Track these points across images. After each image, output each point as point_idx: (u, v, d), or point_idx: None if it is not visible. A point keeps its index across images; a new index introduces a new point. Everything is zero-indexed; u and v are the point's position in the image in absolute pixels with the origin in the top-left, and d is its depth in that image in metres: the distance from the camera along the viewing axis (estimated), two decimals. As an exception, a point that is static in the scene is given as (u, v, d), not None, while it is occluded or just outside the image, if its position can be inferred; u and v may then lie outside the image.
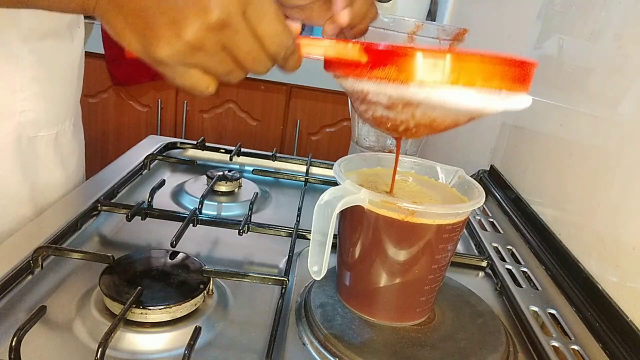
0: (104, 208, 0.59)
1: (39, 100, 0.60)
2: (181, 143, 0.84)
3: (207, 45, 0.33)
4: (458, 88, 0.33)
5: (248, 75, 0.37)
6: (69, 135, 0.67)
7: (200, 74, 0.35)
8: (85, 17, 0.65)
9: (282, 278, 0.47)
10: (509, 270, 0.58)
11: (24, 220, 0.60)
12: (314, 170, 0.82)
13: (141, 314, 0.41)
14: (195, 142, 0.84)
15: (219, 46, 0.34)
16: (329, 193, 0.40)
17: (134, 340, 0.40)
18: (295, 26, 0.37)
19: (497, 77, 0.33)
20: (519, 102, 0.35)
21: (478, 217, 0.72)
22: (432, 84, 0.33)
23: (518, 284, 0.55)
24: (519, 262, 0.61)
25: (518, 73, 0.35)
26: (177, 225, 0.53)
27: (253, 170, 0.76)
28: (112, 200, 0.63)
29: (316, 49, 0.37)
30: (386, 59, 0.34)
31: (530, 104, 0.36)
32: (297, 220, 0.60)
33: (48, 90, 0.61)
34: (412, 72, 0.33)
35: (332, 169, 0.45)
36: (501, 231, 0.69)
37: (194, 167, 0.77)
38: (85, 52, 0.70)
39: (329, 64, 0.39)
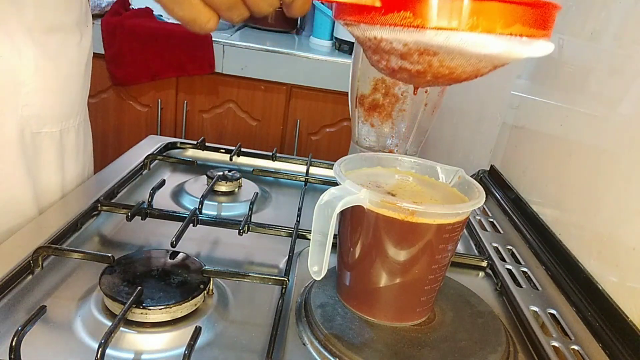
0: (104, 208, 0.59)
1: (43, 94, 0.60)
2: (181, 143, 0.84)
3: None
4: (477, 33, 0.31)
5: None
6: (74, 134, 0.67)
7: (202, 5, 0.34)
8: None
9: (282, 278, 0.47)
10: (509, 270, 0.58)
11: (26, 218, 0.60)
12: (314, 170, 0.82)
13: (141, 314, 0.41)
14: (195, 142, 0.84)
15: None
16: (329, 193, 0.40)
17: (134, 340, 0.40)
18: None
19: (518, 20, 0.32)
20: (541, 49, 0.34)
21: (478, 217, 0.72)
22: (450, 29, 0.32)
23: (518, 284, 0.55)
24: (519, 262, 0.61)
25: (539, 16, 0.33)
26: (177, 225, 0.53)
27: (253, 170, 0.76)
28: (112, 200, 0.62)
29: None
30: (401, 3, 0.32)
31: (552, 50, 0.34)
32: (297, 220, 0.60)
33: (53, 86, 0.61)
34: (429, 17, 0.32)
35: (332, 169, 0.45)
36: (501, 231, 0.69)
37: (194, 167, 0.77)
38: (88, 52, 0.69)
39: (340, 10, 0.37)
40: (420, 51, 0.34)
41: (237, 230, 0.56)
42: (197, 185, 0.71)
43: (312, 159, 0.82)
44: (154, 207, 0.59)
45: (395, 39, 0.33)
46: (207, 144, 0.83)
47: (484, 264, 0.59)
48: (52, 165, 0.64)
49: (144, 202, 0.59)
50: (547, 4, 0.33)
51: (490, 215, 0.74)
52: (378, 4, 0.33)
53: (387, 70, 0.38)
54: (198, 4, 0.34)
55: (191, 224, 0.55)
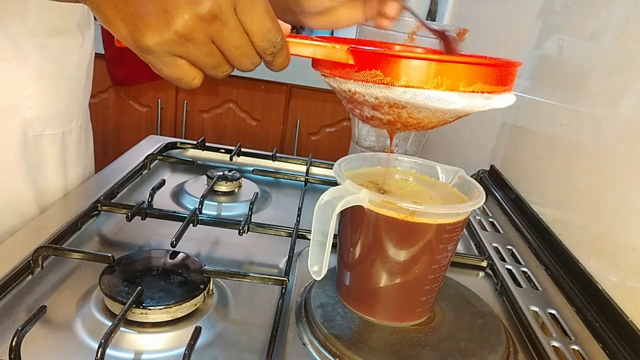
0: (104, 208, 0.59)
1: (46, 97, 0.60)
2: (181, 143, 0.84)
3: (195, 36, 0.34)
4: (441, 91, 0.34)
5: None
6: (76, 136, 0.67)
7: (187, 66, 0.36)
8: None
9: (282, 278, 0.47)
10: (509, 270, 0.58)
11: (26, 219, 0.60)
12: (314, 170, 0.82)
13: (141, 314, 0.41)
14: (195, 142, 0.84)
15: (207, 38, 0.34)
16: (329, 193, 0.40)
17: (134, 340, 0.40)
18: (286, 26, 0.37)
19: (479, 79, 0.35)
20: (503, 101, 0.37)
21: (478, 217, 0.72)
22: (416, 87, 0.34)
23: (518, 284, 0.55)
24: (519, 262, 0.61)
25: (501, 74, 0.36)
26: (177, 225, 0.53)
27: (253, 170, 0.76)
28: (112, 200, 0.63)
29: (305, 48, 0.38)
30: (372, 62, 0.35)
31: (513, 102, 0.37)
32: (297, 220, 0.60)
33: (55, 88, 0.61)
34: (397, 75, 0.35)
35: (332, 169, 0.45)
36: (501, 231, 0.69)
37: (194, 167, 0.77)
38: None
39: (317, 63, 0.40)
40: (390, 104, 0.37)
41: (237, 230, 0.56)
42: (197, 185, 0.71)
43: (312, 159, 0.82)
44: (154, 207, 0.59)
45: (367, 93, 0.36)
46: (207, 144, 0.83)
47: (484, 264, 0.59)
48: (54, 167, 0.64)
49: (144, 202, 0.59)
50: (506, 63, 0.36)
51: (490, 215, 0.74)
52: (352, 61, 0.36)
53: (361, 117, 0.41)
54: (184, 64, 0.36)
55: (191, 224, 0.55)
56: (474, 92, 0.35)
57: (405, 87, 0.35)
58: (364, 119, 0.41)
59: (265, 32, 0.35)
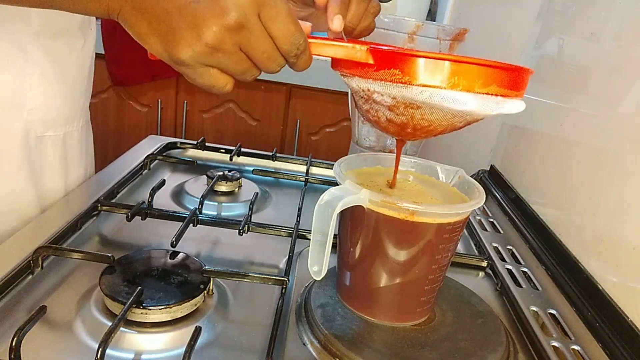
0: (104, 208, 0.59)
1: (48, 98, 0.60)
2: (181, 143, 0.84)
3: (225, 46, 0.36)
4: (457, 91, 0.35)
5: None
6: (77, 137, 0.67)
7: (219, 74, 0.38)
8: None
9: (282, 278, 0.47)
10: (509, 270, 0.58)
11: (27, 220, 0.60)
12: (314, 170, 0.82)
13: (141, 314, 0.41)
14: (195, 142, 0.84)
15: (236, 47, 0.36)
16: (329, 193, 0.40)
17: (134, 340, 0.40)
18: (307, 26, 0.39)
19: (494, 82, 0.36)
20: (513, 107, 0.38)
21: (478, 217, 0.72)
22: (433, 87, 0.35)
23: (518, 284, 0.55)
24: (519, 262, 0.61)
25: (514, 79, 0.37)
26: (177, 225, 0.53)
27: (253, 170, 0.76)
28: (112, 200, 0.63)
29: (326, 49, 0.39)
30: (391, 61, 0.36)
31: (523, 109, 0.38)
32: (297, 220, 0.60)
33: (57, 89, 0.61)
34: (416, 75, 0.35)
35: (332, 169, 0.45)
36: (501, 231, 0.69)
37: (194, 167, 0.77)
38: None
39: (336, 63, 0.41)
40: (405, 104, 0.38)
41: (237, 230, 0.56)
42: (197, 185, 0.71)
43: (312, 159, 0.82)
44: (154, 207, 0.59)
45: (385, 92, 0.37)
46: (207, 144, 0.83)
47: (484, 264, 0.59)
48: (55, 169, 0.64)
49: (144, 202, 0.59)
50: (520, 69, 0.37)
51: (490, 215, 0.74)
52: (371, 61, 0.37)
53: (375, 120, 0.42)
54: (216, 73, 0.38)
55: (191, 224, 0.55)
56: (488, 94, 0.36)
57: (423, 86, 0.35)
58: (378, 122, 0.42)
59: (289, 36, 0.37)
